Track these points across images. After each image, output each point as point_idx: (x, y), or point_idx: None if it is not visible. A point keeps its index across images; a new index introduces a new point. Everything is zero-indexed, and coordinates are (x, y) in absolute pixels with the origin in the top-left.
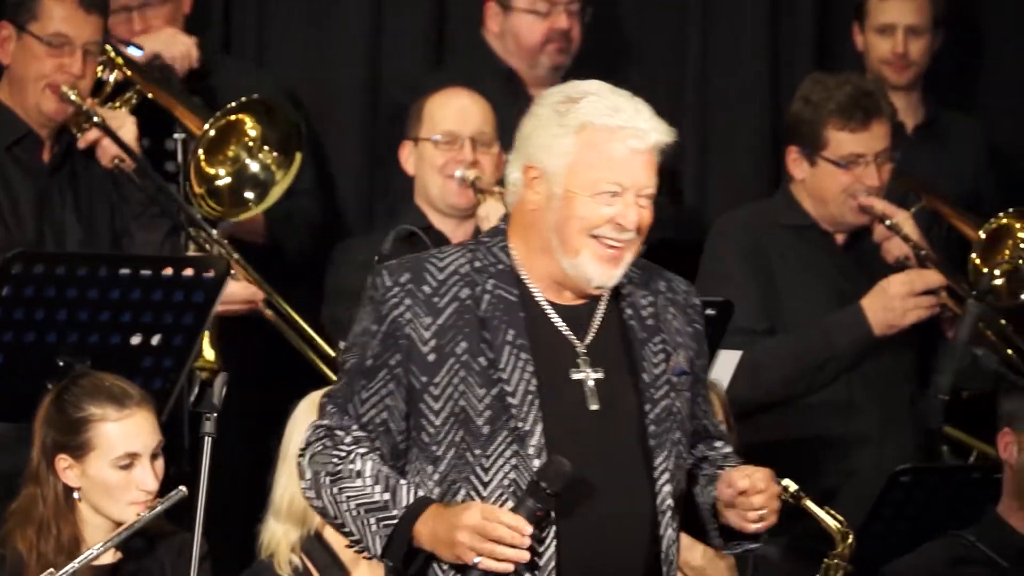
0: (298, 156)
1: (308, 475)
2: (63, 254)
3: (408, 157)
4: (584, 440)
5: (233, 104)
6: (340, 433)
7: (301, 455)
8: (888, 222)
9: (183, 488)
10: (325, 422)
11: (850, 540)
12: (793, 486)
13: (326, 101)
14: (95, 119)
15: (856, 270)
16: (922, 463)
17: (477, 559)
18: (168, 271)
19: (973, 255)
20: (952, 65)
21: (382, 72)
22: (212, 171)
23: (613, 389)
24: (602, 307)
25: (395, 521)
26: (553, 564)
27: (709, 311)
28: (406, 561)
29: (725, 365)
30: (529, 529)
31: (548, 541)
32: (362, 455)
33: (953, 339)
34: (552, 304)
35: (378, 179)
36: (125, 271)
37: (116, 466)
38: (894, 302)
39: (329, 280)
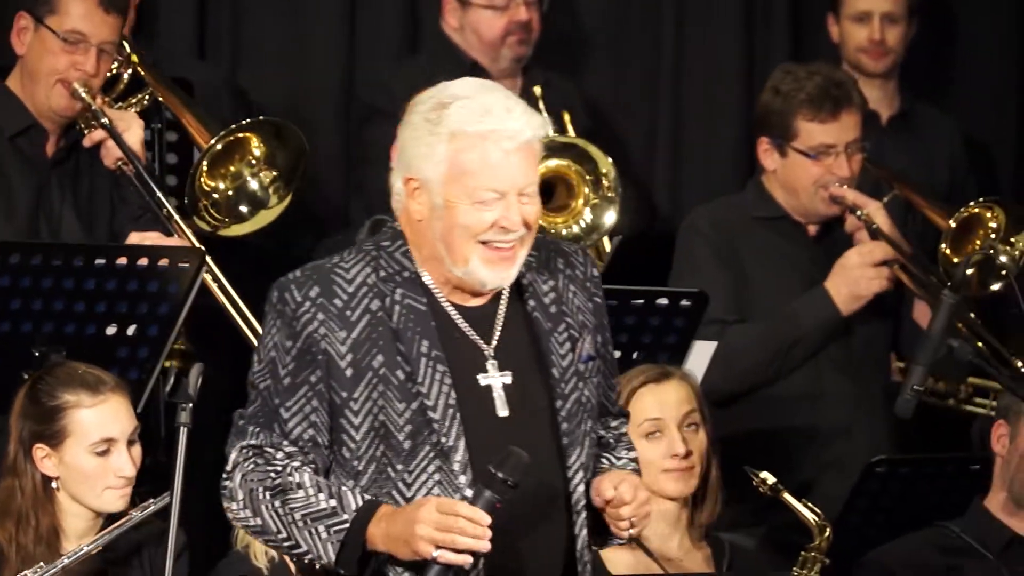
0: (294, 187)
1: (240, 495)
2: (39, 244)
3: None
4: (499, 447)
5: (245, 121)
6: (271, 450)
7: (228, 478)
8: (859, 213)
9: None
10: (251, 442)
11: (827, 533)
12: (771, 479)
13: (301, 100)
14: (103, 120)
15: (828, 261)
16: (897, 454)
17: (436, 552)
18: (143, 261)
19: (943, 245)
20: (927, 57)
21: (356, 71)
22: (212, 184)
23: (524, 390)
24: (504, 304)
25: (346, 525)
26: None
27: (684, 302)
28: (360, 565)
29: (700, 356)
30: (488, 520)
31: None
32: (297, 468)
33: (928, 330)
34: (458, 307)
35: (353, 178)
36: (100, 261)
37: (92, 452)
38: (854, 273)
39: None
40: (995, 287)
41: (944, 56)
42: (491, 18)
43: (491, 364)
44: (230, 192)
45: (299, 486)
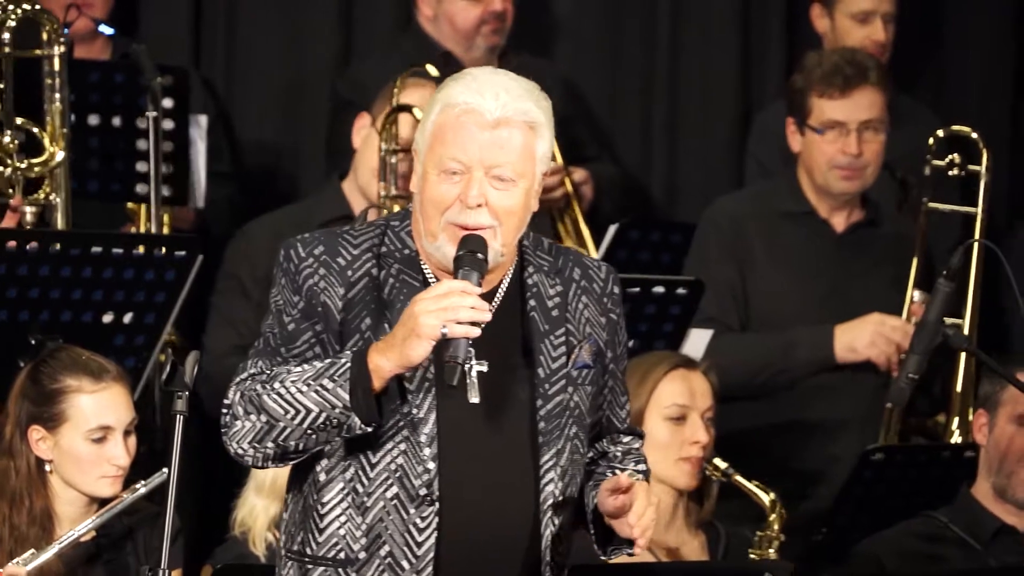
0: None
1: (241, 408)
2: (36, 232)
3: (360, 130)
4: (468, 432)
5: None
6: (271, 371)
7: (227, 411)
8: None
9: (165, 470)
10: (251, 372)
11: (780, 510)
12: (722, 464)
13: (295, 94)
14: None
15: (851, 260)
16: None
17: (444, 328)
18: (140, 250)
19: None
20: (918, 52)
21: (350, 60)
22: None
23: (502, 382)
24: (499, 298)
25: (347, 363)
26: (432, 556)
27: (680, 290)
28: (377, 404)
29: (696, 344)
30: (478, 289)
31: (429, 529)
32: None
33: (924, 319)
34: None
35: (329, 168)
36: (97, 249)
37: (89, 439)
38: (869, 330)
39: None
40: None
41: (935, 52)
42: (465, 7)
43: (469, 352)
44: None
45: (290, 369)
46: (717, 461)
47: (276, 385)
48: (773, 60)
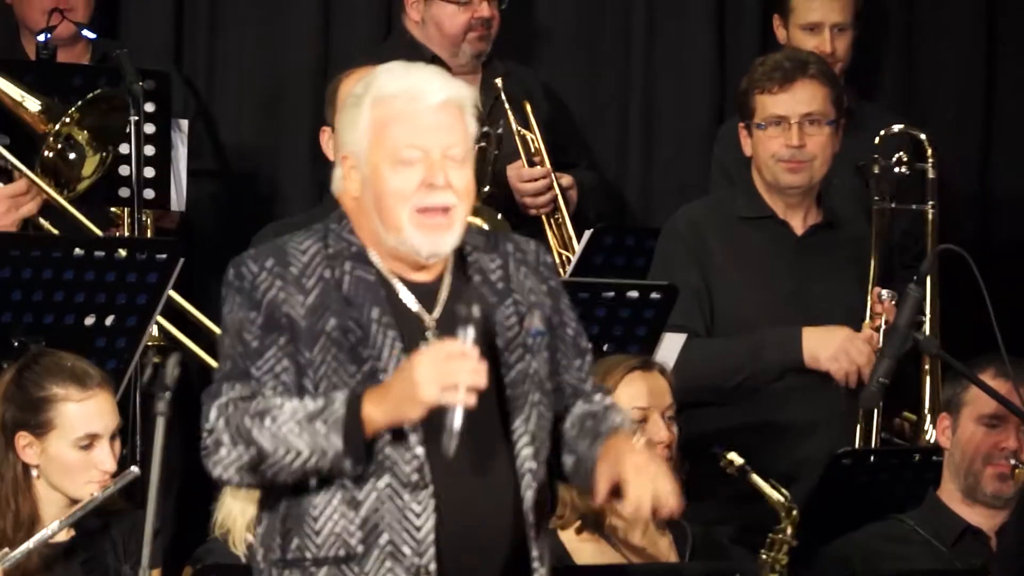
0: (107, 154)
1: (227, 436)
2: (19, 235)
3: (328, 143)
4: (443, 413)
5: (80, 102)
6: (249, 395)
7: (209, 433)
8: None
9: (135, 469)
10: (229, 395)
11: (794, 514)
12: (739, 459)
13: (276, 91)
14: None
15: (811, 263)
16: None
17: (442, 398)
18: (121, 253)
19: None
20: (869, 56)
21: (329, 68)
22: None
23: None
24: (447, 280)
25: (342, 411)
26: (432, 538)
27: (654, 295)
28: (367, 449)
29: (670, 348)
30: (476, 352)
31: (426, 513)
32: (277, 396)
33: (894, 324)
34: (404, 282)
35: (315, 173)
36: (79, 252)
37: (76, 446)
38: (841, 346)
39: None
40: None
41: (906, 58)
42: (454, 13)
43: (431, 333)
44: (53, 152)
45: (282, 404)
46: (733, 456)
47: (268, 422)
48: (748, 70)
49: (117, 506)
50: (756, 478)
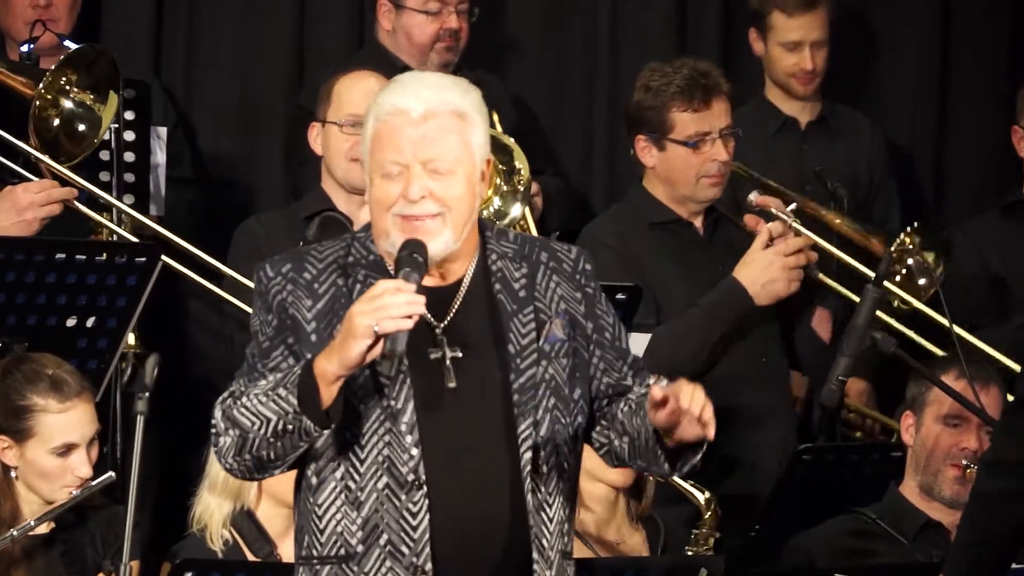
0: (112, 95)
1: (223, 425)
2: (1, 239)
3: (316, 138)
4: (446, 415)
5: (62, 58)
6: (245, 390)
7: (214, 430)
8: (787, 220)
9: (112, 473)
10: (230, 391)
11: (715, 508)
12: None
13: (252, 100)
14: None
15: (723, 256)
16: (823, 443)
17: (376, 326)
18: (102, 256)
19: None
20: (848, 63)
21: (305, 77)
22: (47, 123)
23: (475, 365)
24: (465, 287)
25: (297, 370)
26: (427, 538)
27: (619, 296)
28: (326, 413)
29: (635, 348)
30: (411, 286)
31: (421, 513)
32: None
33: (853, 322)
34: (418, 286)
35: (288, 181)
36: (61, 256)
37: (54, 453)
38: (771, 266)
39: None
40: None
41: (865, 63)
42: (423, 23)
43: (440, 340)
44: (60, 121)
45: (258, 383)
46: None
47: (244, 399)
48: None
49: (96, 502)
50: (677, 480)
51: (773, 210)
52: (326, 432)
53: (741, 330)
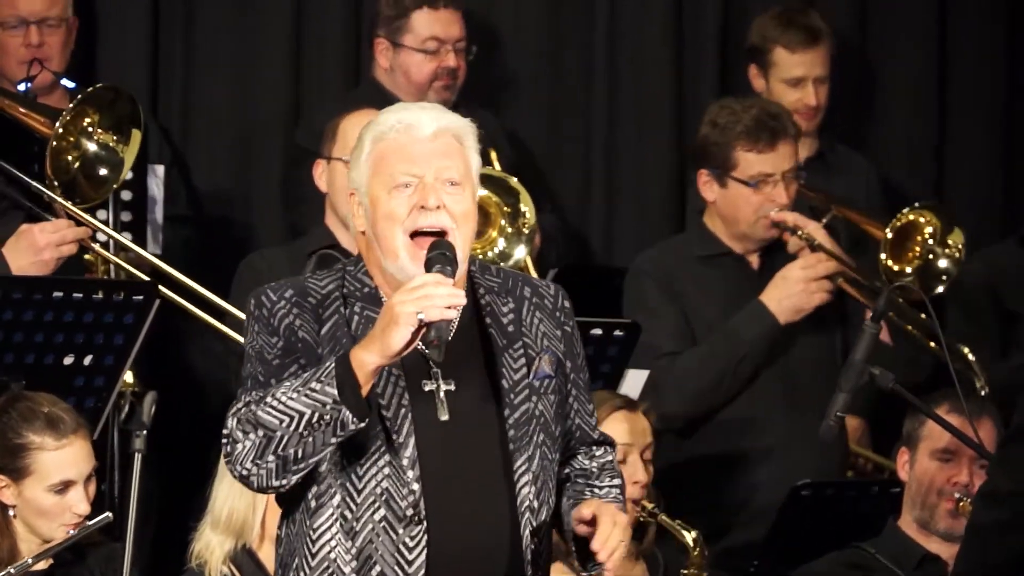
0: (135, 132)
1: (239, 432)
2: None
3: (321, 175)
4: (445, 450)
5: (78, 97)
6: (261, 398)
7: (226, 440)
8: (800, 232)
9: (109, 514)
10: (244, 400)
11: (702, 547)
12: (649, 504)
13: (248, 139)
14: None
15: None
16: (823, 478)
17: (421, 314)
18: (99, 294)
19: (882, 255)
20: (846, 101)
21: (301, 110)
22: (65, 164)
23: (469, 399)
24: (457, 318)
25: (332, 364)
26: (423, 573)
27: (617, 332)
28: (367, 401)
29: (633, 384)
30: (450, 280)
31: (419, 548)
32: None
33: (850, 358)
34: None
35: (287, 219)
36: (58, 294)
37: (52, 491)
38: (796, 286)
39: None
40: (939, 290)
41: (862, 101)
42: (421, 62)
43: (435, 373)
44: (80, 164)
45: (280, 386)
46: (644, 502)
47: (268, 400)
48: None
49: (94, 539)
50: (665, 518)
51: (790, 224)
52: (361, 425)
53: (773, 356)
